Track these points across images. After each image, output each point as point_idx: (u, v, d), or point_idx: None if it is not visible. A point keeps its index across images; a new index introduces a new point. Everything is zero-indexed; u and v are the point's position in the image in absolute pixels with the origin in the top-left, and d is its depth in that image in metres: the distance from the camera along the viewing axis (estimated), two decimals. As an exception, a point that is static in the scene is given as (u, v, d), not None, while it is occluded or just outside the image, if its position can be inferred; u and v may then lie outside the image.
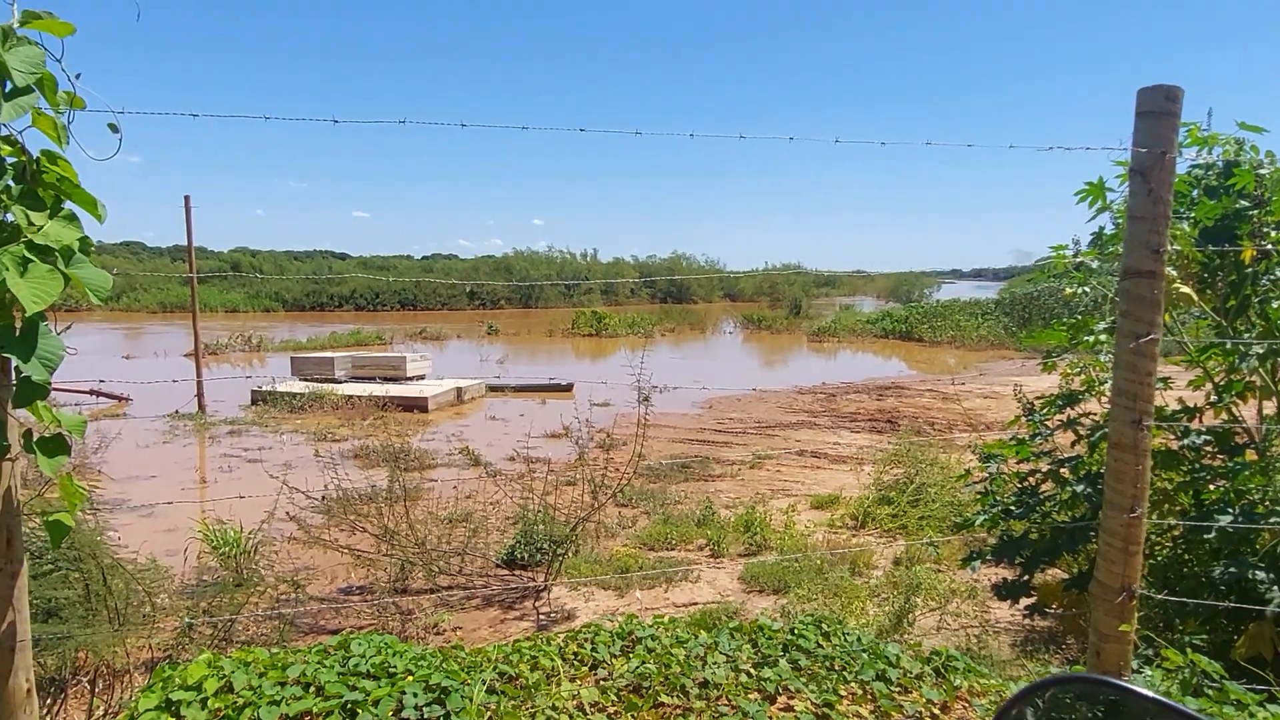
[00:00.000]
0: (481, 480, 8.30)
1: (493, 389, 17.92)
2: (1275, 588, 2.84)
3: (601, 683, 2.36)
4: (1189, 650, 2.29)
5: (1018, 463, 4.16)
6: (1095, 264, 3.92)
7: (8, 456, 1.64)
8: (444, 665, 2.43)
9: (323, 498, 6.96)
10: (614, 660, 2.47)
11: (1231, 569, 2.97)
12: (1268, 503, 3.14)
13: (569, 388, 17.55)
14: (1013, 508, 4.02)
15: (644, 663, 2.40)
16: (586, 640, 2.58)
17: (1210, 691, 2.17)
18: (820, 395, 17.48)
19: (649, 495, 9.04)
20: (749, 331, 37.46)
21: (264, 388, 16.37)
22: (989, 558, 3.97)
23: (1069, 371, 4.21)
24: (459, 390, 16.74)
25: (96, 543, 4.26)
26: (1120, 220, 3.50)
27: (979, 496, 4.37)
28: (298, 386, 16.50)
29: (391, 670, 2.42)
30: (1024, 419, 4.23)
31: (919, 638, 5.12)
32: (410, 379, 17.72)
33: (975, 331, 30.03)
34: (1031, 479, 4.09)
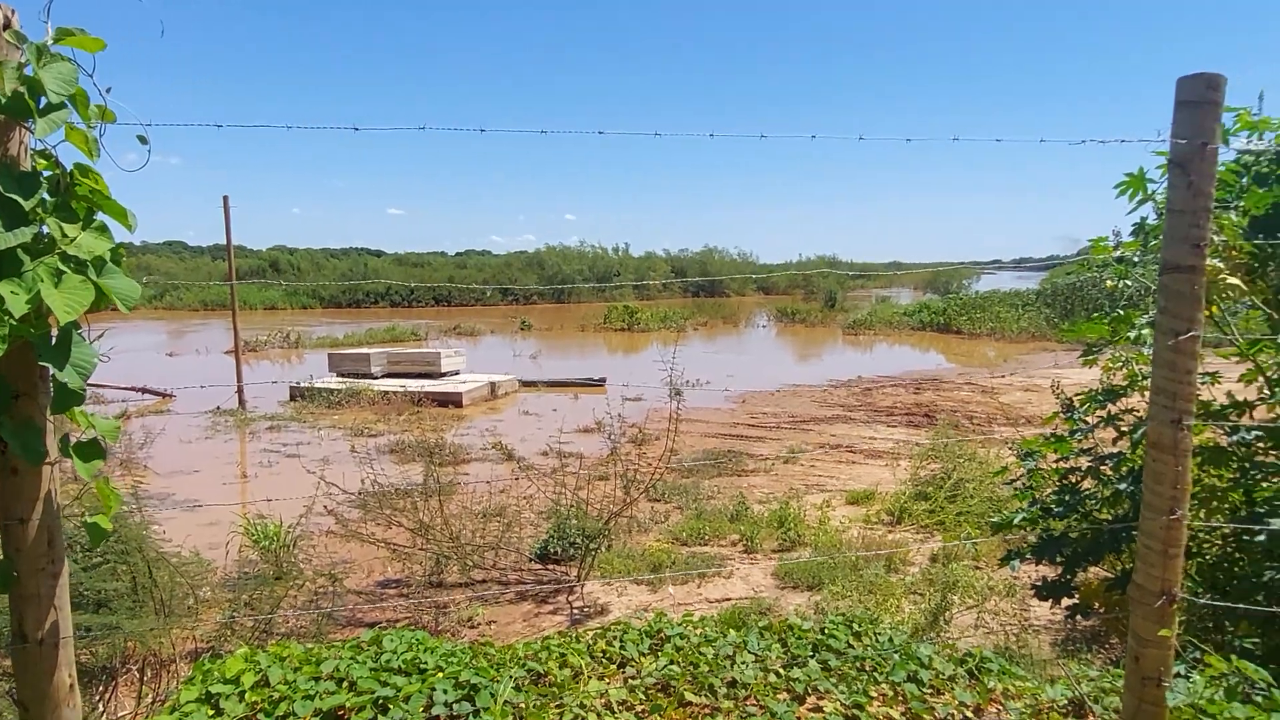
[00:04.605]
0: (515, 475, 8.35)
1: (526, 384, 18.03)
2: (1329, 590, 2.74)
3: (629, 681, 2.36)
4: (1234, 657, 2.22)
5: (1056, 460, 4.07)
6: (1136, 256, 3.81)
7: (46, 460, 1.67)
8: (474, 662, 2.45)
9: (359, 492, 7.05)
10: (642, 659, 2.46)
11: (1283, 571, 2.88)
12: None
13: (601, 383, 17.59)
14: (1053, 506, 3.94)
15: (672, 662, 2.40)
16: (615, 638, 2.58)
17: (1259, 699, 2.10)
18: (856, 389, 17.32)
19: (681, 490, 9.02)
20: (783, 325, 37.20)
21: (302, 384, 16.63)
22: (1028, 556, 3.89)
23: (1110, 366, 4.11)
24: (493, 385, 16.86)
25: (142, 536, 4.37)
26: (1162, 211, 3.41)
27: (1018, 493, 4.29)
28: (335, 383, 16.74)
29: (423, 666, 2.44)
30: (1062, 415, 4.14)
31: (956, 636, 5.06)
32: (445, 374, 17.88)
33: (1016, 323, 29.49)
34: (1072, 476, 4.00)
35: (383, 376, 18.04)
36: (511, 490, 8.37)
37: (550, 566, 6.83)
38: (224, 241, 17.08)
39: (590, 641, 2.60)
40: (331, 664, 2.48)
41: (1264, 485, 3.38)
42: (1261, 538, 3.10)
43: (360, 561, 7.03)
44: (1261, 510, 3.18)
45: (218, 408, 14.95)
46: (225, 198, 16.69)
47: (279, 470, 10.87)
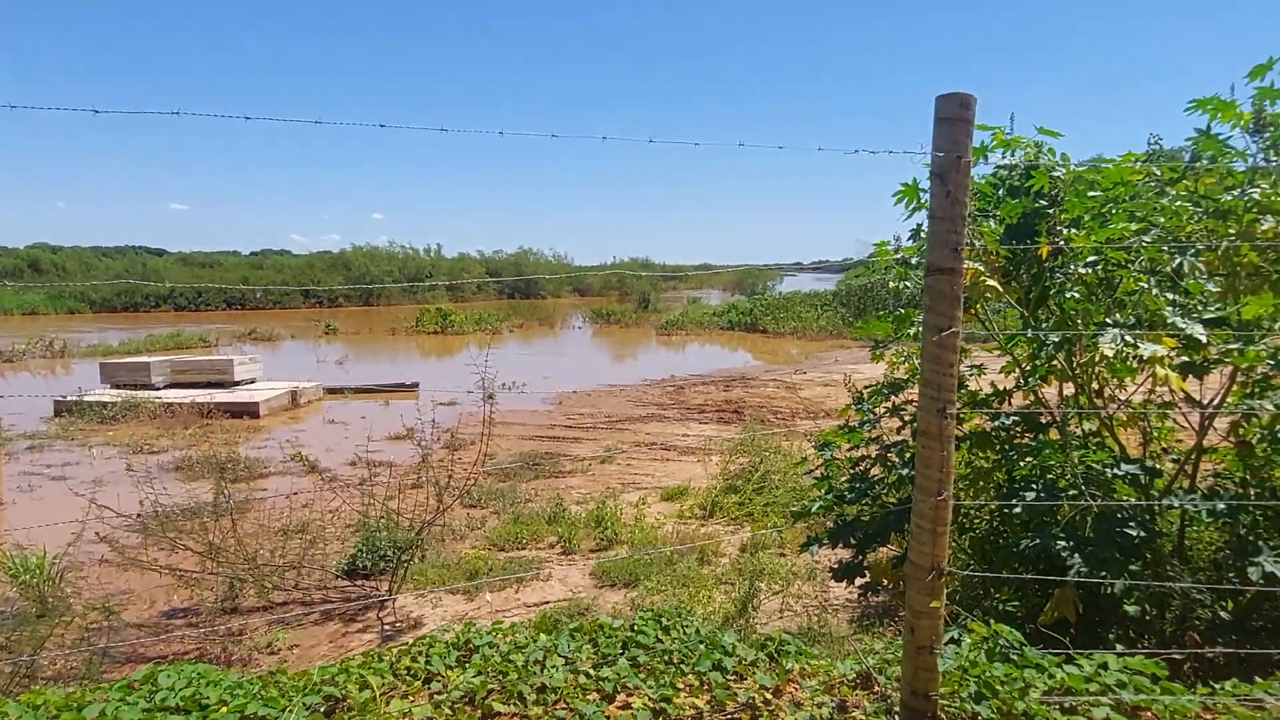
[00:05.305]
0: (318, 487, 7.90)
1: (331, 391, 17.10)
2: (1075, 556, 3.08)
3: (435, 697, 2.25)
4: (992, 621, 2.46)
5: (849, 449, 4.35)
6: (915, 259, 4.14)
7: None
8: (263, 692, 2.26)
9: (138, 515, 6.41)
10: (449, 672, 2.36)
11: (1037, 540, 3.21)
12: (1068, 478, 3.42)
13: (414, 388, 17.02)
14: (846, 492, 4.20)
15: (480, 672, 2.32)
16: (420, 653, 2.46)
17: (1015, 658, 2.34)
18: (669, 388, 17.79)
19: (498, 494, 8.89)
20: (598, 326, 37.60)
21: (69, 397, 14.85)
22: (826, 541, 4.12)
23: (895, 360, 4.45)
24: (294, 394, 15.86)
25: None
26: (934, 217, 3.72)
27: (816, 482, 4.54)
28: (109, 395, 15.08)
29: (204, 702, 2.22)
30: (854, 407, 4.43)
31: (764, 622, 5.30)
32: (239, 383, 16.61)
33: (816, 322, 31.42)
34: (863, 464, 4.29)
35: (166, 387, 16.50)
36: (315, 504, 7.91)
37: (359, 582, 6.50)
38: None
39: (394, 659, 2.47)
40: (96, 708, 2.21)
41: (1022, 464, 3.78)
42: (1019, 510, 3.46)
43: (141, 591, 6.39)
44: (1019, 486, 3.55)
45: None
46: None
47: (42, 495, 9.64)
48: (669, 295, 55.04)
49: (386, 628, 5.75)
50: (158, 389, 16.19)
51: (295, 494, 7.97)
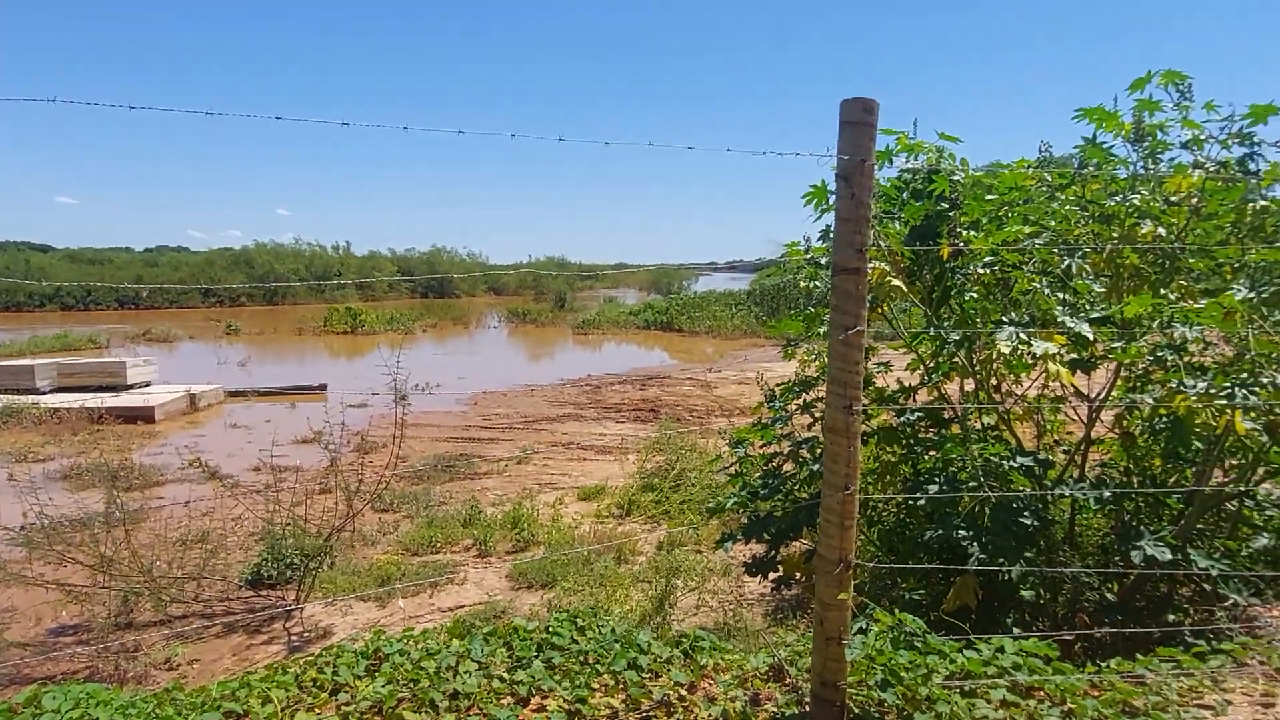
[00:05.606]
0: (220, 495, 7.58)
1: (234, 394, 16.41)
2: (975, 545, 3.21)
3: (343, 709, 2.19)
4: (897, 610, 2.54)
5: (763, 446, 4.42)
6: (824, 259, 4.23)
7: None
8: (157, 710, 2.15)
9: (21, 528, 6.03)
10: (358, 682, 2.30)
11: (940, 531, 3.33)
12: (968, 470, 3.56)
13: (322, 389, 16.52)
14: (760, 489, 4.27)
15: (390, 681, 2.26)
16: (328, 664, 2.39)
17: (919, 645, 2.42)
18: (586, 387, 17.76)
19: (411, 498, 8.70)
20: (514, 325, 37.23)
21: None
22: (740, 537, 4.18)
23: (806, 359, 4.54)
24: (192, 397, 15.16)
25: None
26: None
27: (731, 479, 4.60)
28: (-14, 401, 14.12)
29: (93, 726, 2.10)
30: (766, 405, 4.50)
31: (681, 618, 5.34)
32: (133, 387, 15.79)
33: (730, 321, 31.86)
34: (776, 461, 4.37)
35: (52, 391, 15.55)
36: (216, 512, 7.59)
37: (265, 592, 6.27)
38: None
39: (299, 671, 2.38)
40: (-31, 738, 2.06)
41: (926, 458, 3.91)
42: (923, 502, 3.59)
43: (27, 609, 6.01)
44: (924, 479, 3.67)
45: None
46: None
47: (-92, 510, 8.95)
48: (585, 295, 54.91)
49: (294, 638, 5.56)
50: (43, 393, 15.25)
51: (194, 502, 7.64)
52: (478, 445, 11.89)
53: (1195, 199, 3.48)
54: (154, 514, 7.73)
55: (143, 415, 13.96)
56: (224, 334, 30.96)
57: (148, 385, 16.22)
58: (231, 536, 7.09)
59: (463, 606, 5.94)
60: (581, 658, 2.48)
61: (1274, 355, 2.92)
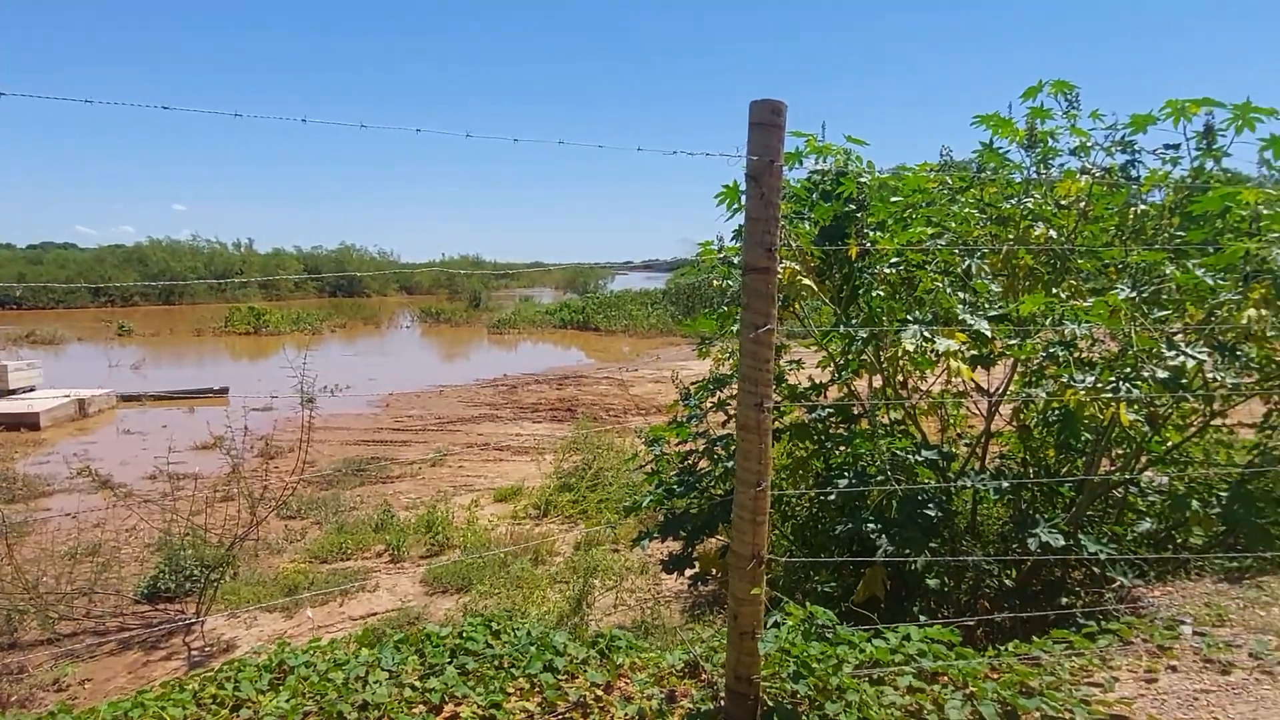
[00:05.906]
0: (112, 505, 7.18)
1: (127, 399, 15.56)
2: (883, 537, 3.31)
3: (246, 727, 2.10)
4: (809, 603, 2.60)
5: (678, 444, 4.45)
6: (737, 259, 4.29)
7: None
8: (41, 739, 2.01)
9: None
10: (261, 698, 2.20)
11: (849, 524, 3.42)
12: (877, 464, 3.66)
13: (223, 393, 15.84)
14: (676, 486, 4.29)
15: (295, 695, 2.18)
16: (228, 679, 2.28)
17: (830, 636, 2.48)
18: (502, 387, 17.56)
19: (320, 504, 8.43)
20: (427, 325, 36.50)
21: None
22: (656, 535, 4.19)
23: (719, 357, 4.59)
24: (81, 403, 14.31)
25: None
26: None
27: (647, 477, 4.61)
28: None
29: (-34, 757, 1.95)
30: (681, 403, 4.53)
31: (599, 618, 5.33)
32: (15, 392, 14.81)
33: (646, 320, 32.00)
34: (691, 459, 4.40)
35: (-78, 398, 14.46)
36: (108, 523, 7.19)
37: (162, 606, 5.97)
38: None
39: (198, 687, 2.27)
40: None
41: (837, 453, 4.01)
42: (834, 497, 3.67)
43: (-105, 632, 5.56)
44: (834, 474, 3.76)
45: None
46: None
47: None
48: (501, 294, 54.23)
49: (194, 653, 5.32)
50: (-89, 400, 14.16)
51: (84, 513, 7.22)
52: (390, 448, 11.61)
53: (1083, 203, 3.67)
54: (40, 526, 7.29)
55: (26, 422, 13.12)
56: (116, 335, 29.34)
57: (32, 390, 15.23)
58: (125, 548, 6.74)
59: (375, 614, 5.79)
60: (496, 662, 2.44)
61: (1154, 351, 3.10)
